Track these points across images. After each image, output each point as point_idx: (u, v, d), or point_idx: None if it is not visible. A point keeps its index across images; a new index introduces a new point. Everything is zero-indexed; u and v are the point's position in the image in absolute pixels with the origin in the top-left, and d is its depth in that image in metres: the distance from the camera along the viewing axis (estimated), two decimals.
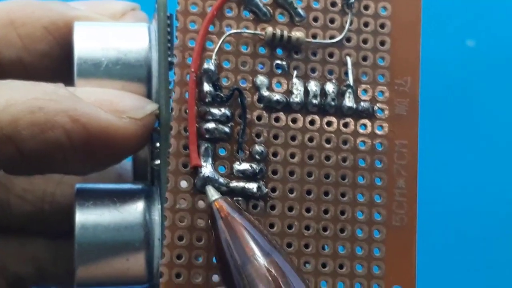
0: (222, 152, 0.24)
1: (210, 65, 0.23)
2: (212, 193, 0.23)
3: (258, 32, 0.24)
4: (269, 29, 0.24)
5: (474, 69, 0.47)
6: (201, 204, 0.23)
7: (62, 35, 0.25)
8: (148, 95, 0.24)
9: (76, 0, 0.27)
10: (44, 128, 0.22)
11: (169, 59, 0.24)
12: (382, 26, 0.25)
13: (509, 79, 0.47)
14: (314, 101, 0.24)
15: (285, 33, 0.24)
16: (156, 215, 0.24)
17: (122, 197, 0.25)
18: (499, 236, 0.46)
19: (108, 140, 0.23)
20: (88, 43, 0.24)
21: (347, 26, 0.24)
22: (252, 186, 0.23)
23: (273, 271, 0.21)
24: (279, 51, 0.24)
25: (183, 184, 0.23)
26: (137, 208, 0.24)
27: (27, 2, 0.26)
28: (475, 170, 0.46)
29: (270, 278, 0.21)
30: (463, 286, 0.46)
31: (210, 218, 0.23)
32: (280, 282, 0.21)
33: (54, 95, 0.23)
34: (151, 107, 0.24)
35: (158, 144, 0.24)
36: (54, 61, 0.25)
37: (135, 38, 0.25)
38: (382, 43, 0.25)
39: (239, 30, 0.24)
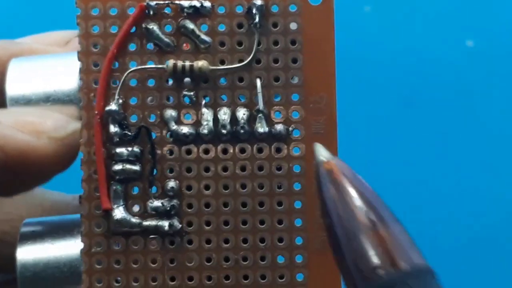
0: (135, 191, 0.24)
1: (113, 106, 0.23)
2: (321, 153, 0.20)
3: (160, 66, 0.24)
4: (170, 62, 0.23)
5: (473, 69, 0.46)
6: (116, 246, 0.23)
7: None
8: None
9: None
10: None
11: None
12: (293, 42, 0.24)
13: (508, 79, 0.45)
14: (224, 130, 0.23)
15: (187, 63, 0.23)
16: None
17: (63, 232, 0.25)
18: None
19: (26, 161, 0.23)
20: (19, 83, 0.25)
21: (255, 47, 0.24)
22: (164, 223, 0.23)
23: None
24: (187, 82, 0.24)
25: (97, 227, 0.23)
26: (75, 243, 0.25)
27: None
28: (475, 170, 0.45)
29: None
30: None
31: (317, 180, 0.19)
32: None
33: None
34: (73, 125, 0.24)
35: None
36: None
37: (67, 72, 0.25)
38: (294, 60, 0.24)
39: (139, 67, 0.24)
